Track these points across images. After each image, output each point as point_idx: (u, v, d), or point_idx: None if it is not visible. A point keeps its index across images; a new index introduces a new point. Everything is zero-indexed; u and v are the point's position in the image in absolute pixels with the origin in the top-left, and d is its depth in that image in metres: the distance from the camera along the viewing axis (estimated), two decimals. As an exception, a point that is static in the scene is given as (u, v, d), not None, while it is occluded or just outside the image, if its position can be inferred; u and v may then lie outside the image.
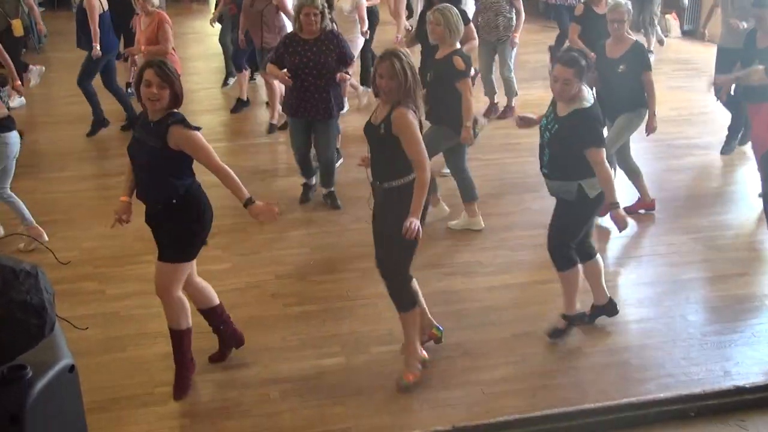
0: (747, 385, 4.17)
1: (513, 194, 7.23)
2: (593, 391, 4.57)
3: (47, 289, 2.01)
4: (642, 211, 6.79)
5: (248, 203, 4.40)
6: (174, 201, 4.37)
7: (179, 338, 4.59)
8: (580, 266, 5.05)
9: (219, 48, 10.69)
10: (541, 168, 5.01)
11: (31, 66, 10.73)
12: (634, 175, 6.74)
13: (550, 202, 7.01)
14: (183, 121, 4.29)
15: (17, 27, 9.64)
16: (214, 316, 4.84)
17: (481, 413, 4.33)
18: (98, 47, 8.52)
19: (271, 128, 8.99)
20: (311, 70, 6.58)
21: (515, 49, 9.09)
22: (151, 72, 4.21)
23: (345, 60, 6.72)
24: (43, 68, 11.13)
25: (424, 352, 4.80)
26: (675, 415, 3.96)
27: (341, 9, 8.88)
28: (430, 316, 4.97)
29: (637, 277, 5.94)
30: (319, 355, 4.94)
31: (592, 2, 8.08)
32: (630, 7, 6.56)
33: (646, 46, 11.09)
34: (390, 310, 5.36)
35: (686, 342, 5.07)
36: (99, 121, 9.05)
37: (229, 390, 4.64)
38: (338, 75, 6.65)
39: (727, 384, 4.50)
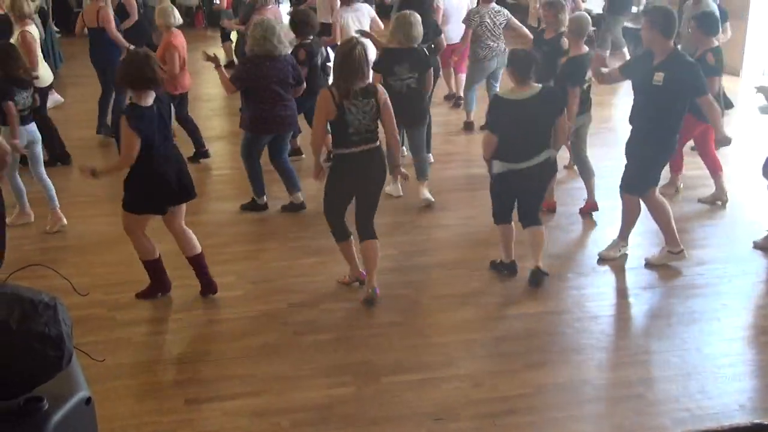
0: (765, 422, 4.13)
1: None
2: (607, 426, 4.53)
3: (65, 320, 2.00)
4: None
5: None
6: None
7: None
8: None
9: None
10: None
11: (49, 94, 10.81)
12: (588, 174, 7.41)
13: (560, 233, 7.06)
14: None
15: None
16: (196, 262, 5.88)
17: (493, 446, 4.30)
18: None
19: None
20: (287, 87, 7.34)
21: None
22: None
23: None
24: (62, 100, 11.24)
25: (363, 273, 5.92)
26: (690, 450, 3.94)
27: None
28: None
29: (650, 308, 5.91)
30: (331, 385, 4.91)
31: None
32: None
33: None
34: (401, 340, 5.37)
35: (701, 375, 5.03)
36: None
37: (240, 418, 4.61)
38: None
39: (743, 418, 4.47)
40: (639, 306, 5.92)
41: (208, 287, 5.90)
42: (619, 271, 6.44)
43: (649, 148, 6.06)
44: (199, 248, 5.87)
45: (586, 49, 7.13)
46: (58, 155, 8.74)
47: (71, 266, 6.31)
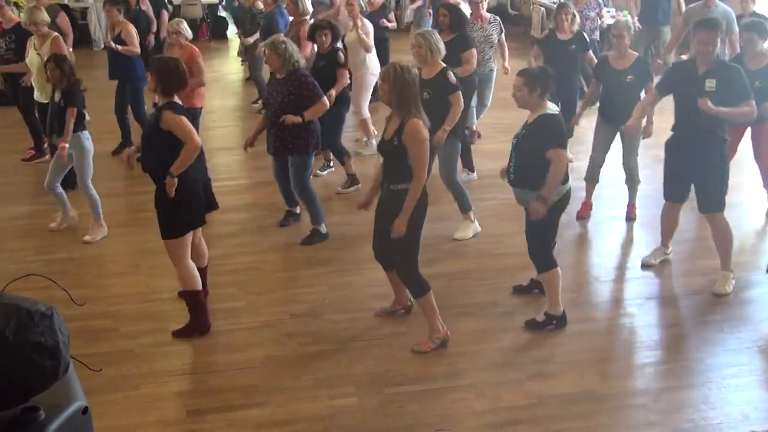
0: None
1: (523, 235, 7.17)
2: (610, 436, 4.51)
3: (62, 330, 1.99)
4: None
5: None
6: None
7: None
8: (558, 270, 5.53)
9: (236, 87, 10.85)
10: (507, 175, 5.54)
11: None
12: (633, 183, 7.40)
13: (566, 243, 7.04)
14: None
15: None
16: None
17: (496, 457, 4.28)
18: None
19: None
20: (270, 107, 6.89)
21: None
22: None
23: (306, 102, 6.77)
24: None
25: (448, 332, 5.38)
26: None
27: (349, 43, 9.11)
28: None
29: (653, 319, 5.88)
30: (333, 396, 4.90)
31: (556, 29, 8.59)
32: (630, 24, 7.47)
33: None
34: (403, 350, 5.36)
35: (704, 386, 5.01)
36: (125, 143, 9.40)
37: (243, 430, 4.60)
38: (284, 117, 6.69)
39: (746, 428, 4.45)
40: (642, 316, 5.90)
41: None
42: (623, 281, 6.43)
43: (718, 160, 5.94)
44: (206, 261, 5.87)
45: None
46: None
47: (74, 278, 6.32)
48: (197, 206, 5.43)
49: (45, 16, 8.44)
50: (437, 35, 6.70)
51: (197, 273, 5.52)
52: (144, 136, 5.53)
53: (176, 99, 5.34)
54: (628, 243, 7.23)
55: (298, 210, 7.46)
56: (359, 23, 9.15)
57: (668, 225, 6.43)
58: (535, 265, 5.63)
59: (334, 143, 8.34)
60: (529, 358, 5.31)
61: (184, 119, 5.24)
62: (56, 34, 8.50)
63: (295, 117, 6.67)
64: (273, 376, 5.10)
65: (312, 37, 8.33)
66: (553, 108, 5.43)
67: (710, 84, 5.76)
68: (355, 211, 7.48)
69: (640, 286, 6.33)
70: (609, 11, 12.02)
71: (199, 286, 5.52)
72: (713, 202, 6.03)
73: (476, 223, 7.24)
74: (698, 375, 5.13)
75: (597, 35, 10.95)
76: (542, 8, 14.59)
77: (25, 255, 6.80)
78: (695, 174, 6.00)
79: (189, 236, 5.42)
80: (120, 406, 4.78)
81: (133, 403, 4.85)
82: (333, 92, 7.85)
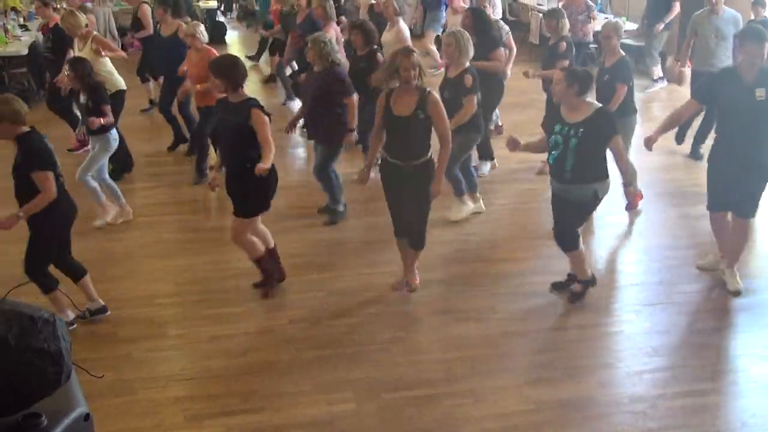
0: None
1: (526, 239, 7.20)
2: (608, 442, 4.51)
3: (65, 336, 2.00)
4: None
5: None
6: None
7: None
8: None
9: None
10: (559, 177, 5.74)
11: None
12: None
13: (559, 248, 7.04)
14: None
15: None
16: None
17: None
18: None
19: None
20: (304, 98, 7.50)
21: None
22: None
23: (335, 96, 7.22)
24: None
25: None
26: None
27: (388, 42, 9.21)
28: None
29: (651, 325, 5.88)
30: (332, 401, 4.91)
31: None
32: (619, 25, 7.63)
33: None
34: (402, 356, 5.36)
35: (703, 392, 5.00)
36: (180, 140, 9.67)
37: (241, 435, 4.61)
38: None
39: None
40: (641, 322, 5.90)
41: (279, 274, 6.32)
42: (622, 287, 6.43)
43: (762, 169, 5.95)
44: (272, 241, 6.28)
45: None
46: (124, 165, 8.80)
47: (73, 283, 6.29)
48: (272, 191, 5.94)
49: (79, 20, 8.53)
50: (467, 36, 7.00)
51: (256, 240, 6.05)
52: (227, 129, 5.84)
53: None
54: (626, 249, 7.23)
55: (341, 207, 7.66)
56: (396, 24, 9.32)
57: (720, 234, 6.34)
58: (567, 245, 5.94)
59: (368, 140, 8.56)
60: (527, 364, 5.32)
61: (265, 118, 5.69)
62: (95, 33, 8.65)
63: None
64: (271, 382, 5.10)
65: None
66: (597, 103, 5.74)
67: (760, 93, 5.72)
68: (354, 217, 7.55)
69: (638, 293, 6.33)
70: (607, 17, 12.03)
71: (263, 251, 6.09)
72: (748, 208, 6.10)
73: (472, 203, 7.61)
74: (697, 382, 5.13)
75: (591, 38, 10.95)
76: (540, 14, 14.61)
77: (23, 259, 6.77)
78: (738, 182, 5.98)
79: (258, 217, 5.99)
80: (118, 411, 4.78)
81: (131, 408, 4.85)
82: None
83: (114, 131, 7.33)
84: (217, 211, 8.07)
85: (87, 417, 2.06)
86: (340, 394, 4.97)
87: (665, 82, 12.23)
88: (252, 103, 5.74)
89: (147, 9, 11.00)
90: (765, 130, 5.82)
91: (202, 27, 8.55)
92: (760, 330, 5.79)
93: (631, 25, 12.13)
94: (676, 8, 11.82)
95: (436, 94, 5.77)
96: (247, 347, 5.50)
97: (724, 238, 6.30)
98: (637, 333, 5.74)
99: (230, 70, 5.73)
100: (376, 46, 8.42)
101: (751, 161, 5.90)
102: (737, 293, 6.14)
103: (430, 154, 5.83)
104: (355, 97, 7.35)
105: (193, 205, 8.22)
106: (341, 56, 7.38)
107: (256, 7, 18.87)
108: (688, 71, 9.99)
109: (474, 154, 7.87)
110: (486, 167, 8.68)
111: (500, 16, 11.45)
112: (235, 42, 16.53)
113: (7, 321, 1.94)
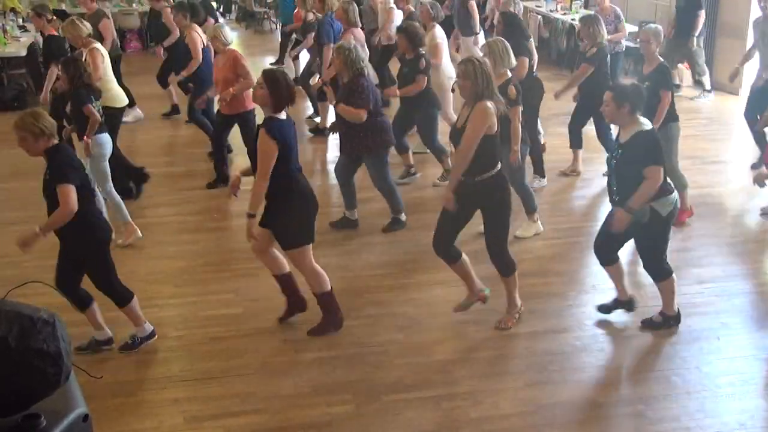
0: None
1: (525, 241, 7.21)
2: (607, 444, 4.51)
3: (64, 337, 2.01)
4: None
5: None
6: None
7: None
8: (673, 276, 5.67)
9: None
10: (611, 198, 5.55)
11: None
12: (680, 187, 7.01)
13: (563, 250, 7.06)
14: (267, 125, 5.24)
15: None
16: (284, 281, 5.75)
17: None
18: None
19: None
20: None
21: None
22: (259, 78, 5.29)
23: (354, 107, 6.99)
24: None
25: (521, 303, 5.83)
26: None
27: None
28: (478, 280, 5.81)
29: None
30: (331, 402, 4.91)
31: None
32: (659, 31, 7.37)
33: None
34: (401, 358, 5.36)
35: (701, 394, 5.02)
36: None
37: (240, 437, 4.61)
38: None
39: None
40: (639, 323, 5.90)
41: (299, 305, 5.85)
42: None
43: None
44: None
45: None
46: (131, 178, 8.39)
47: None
48: (314, 215, 5.55)
49: (81, 30, 8.25)
50: (505, 44, 6.73)
51: (323, 274, 5.61)
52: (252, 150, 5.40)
53: (283, 115, 5.34)
54: (624, 250, 7.22)
55: (354, 216, 7.57)
56: (432, 30, 9.20)
57: None
58: (651, 275, 5.69)
59: (432, 143, 8.57)
60: (525, 366, 5.32)
61: (271, 145, 5.17)
62: (95, 45, 8.31)
63: (340, 106, 7.02)
64: (270, 383, 5.10)
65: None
66: (646, 123, 5.39)
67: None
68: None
69: (636, 293, 6.32)
70: (626, 26, 12.06)
71: (328, 288, 5.62)
72: None
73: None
74: (695, 383, 5.13)
75: (622, 47, 10.97)
76: (539, 17, 14.63)
77: (21, 261, 6.77)
78: None
79: (310, 245, 5.51)
80: (118, 412, 4.78)
81: (130, 409, 4.85)
82: (398, 91, 8.29)
83: (106, 134, 7.11)
84: (217, 212, 8.07)
85: (86, 418, 2.06)
86: (339, 396, 4.97)
87: (713, 95, 12.16)
88: (266, 122, 5.27)
89: (170, 13, 10.74)
90: None
91: (226, 28, 8.51)
92: (758, 331, 5.80)
93: (631, 27, 12.13)
94: (702, 17, 11.80)
95: (484, 102, 5.26)
96: (245, 348, 5.50)
97: None
98: (635, 335, 5.74)
99: (283, 89, 5.26)
100: (422, 50, 8.22)
101: None
102: None
103: (496, 169, 5.41)
104: (365, 112, 7.02)
105: (193, 206, 8.21)
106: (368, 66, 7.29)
107: (255, 9, 18.92)
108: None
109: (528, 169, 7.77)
110: (542, 181, 8.56)
111: None
112: (234, 44, 16.52)
113: (6, 322, 1.94)
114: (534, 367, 5.29)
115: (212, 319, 5.86)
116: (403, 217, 7.51)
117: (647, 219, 5.33)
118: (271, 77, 5.26)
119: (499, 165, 5.46)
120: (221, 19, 17.49)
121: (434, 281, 6.44)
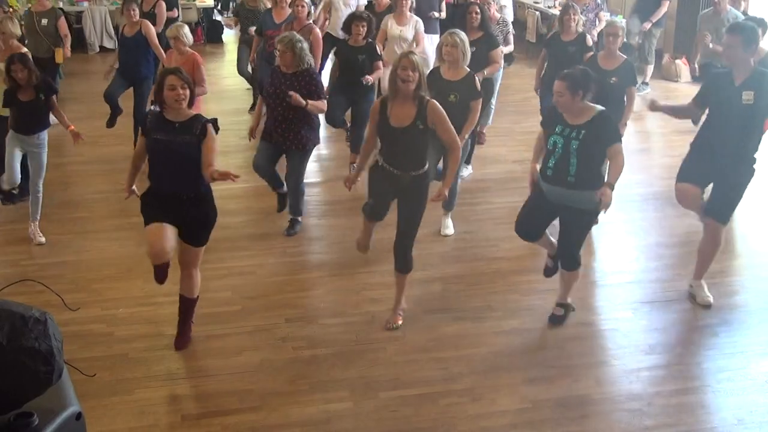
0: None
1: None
2: (605, 440, 4.51)
3: (56, 335, 2.00)
4: None
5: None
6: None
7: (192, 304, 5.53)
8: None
9: (232, 91, 10.84)
10: (561, 181, 5.36)
11: None
12: None
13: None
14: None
15: (59, 55, 10.15)
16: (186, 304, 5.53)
17: (491, 461, 4.28)
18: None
19: None
20: (276, 99, 6.88)
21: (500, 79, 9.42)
22: (173, 77, 5.03)
23: (313, 97, 6.88)
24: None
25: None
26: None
27: (403, 38, 9.10)
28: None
29: (648, 323, 5.88)
30: (328, 400, 4.90)
31: (561, 30, 8.49)
32: (624, 25, 7.44)
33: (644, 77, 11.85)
34: (399, 355, 5.36)
35: (699, 390, 5.02)
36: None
37: (237, 435, 4.60)
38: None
39: (741, 433, 4.46)
40: (638, 320, 5.90)
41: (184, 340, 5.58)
42: (618, 285, 6.42)
43: (745, 173, 5.79)
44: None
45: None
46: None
47: (69, 282, 6.31)
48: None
49: (8, 28, 7.98)
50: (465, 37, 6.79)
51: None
52: (168, 153, 5.14)
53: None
54: (622, 247, 7.22)
55: (284, 189, 7.42)
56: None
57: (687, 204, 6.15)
58: (567, 263, 5.63)
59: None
60: (523, 363, 5.31)
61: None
62: (17, 44, 8.02)
63: (300, 100, 6.75)
64: (268, 381, 5.09)
65: (348, 28, 8.36)
66: (598, 106, 5.41)
67: (747, 97, 5.59)
68: (346, 217, 7.53)
69: (635, 291, 6.33)
70: (606, 14, 12.05)
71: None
72: (722, 213, 5.89)
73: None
74: (693, 379, 5.14)
75: (594, 37, 10.93)
76: (537, 12, 14.61)
77: (19, 259, 6.79)
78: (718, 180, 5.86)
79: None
80: (115, 411, 4.76)
81: (127, 407, 4.83)
82: (370, 78, 8.16)
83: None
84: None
85: (79, 416, 2.05)
86: (337, 393, 4.96)
87: (649, 89, 12.10)
88: (212, 121, 5.31)
89: (162, 4, 10.74)
90: (749, 135, 5.67)
91: (186, 29, 8.17)
92: (756, 327, 5.79)
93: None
94: (665, 6, 11.83)
95: (436, 102, 5.34)
96: (242, 346, 5.50)
97: (715, 252, 6.08)
98: (633, 331, 5.74)
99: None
100: (371, 40, 8.32)
101: (739, 163, 5.74)
102: (708, 306, 5.99)
103: (428, 164, 5.52)
104: (325, 102, 7.10)
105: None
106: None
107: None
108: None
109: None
110: (468, 168, 8.56)
111: (512, 18, 11.26)
112: (231, 41, 16.49)
113: (-2, 320, 1.94)
114: (532, 364, 5.29)
115: (209, 317, 5.85)
116: (301, 219, 7.38)
117: (593, 206, 5.29)
118: None
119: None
120: (219, 17, 17.53)
121: (431, 278, 6.43)
